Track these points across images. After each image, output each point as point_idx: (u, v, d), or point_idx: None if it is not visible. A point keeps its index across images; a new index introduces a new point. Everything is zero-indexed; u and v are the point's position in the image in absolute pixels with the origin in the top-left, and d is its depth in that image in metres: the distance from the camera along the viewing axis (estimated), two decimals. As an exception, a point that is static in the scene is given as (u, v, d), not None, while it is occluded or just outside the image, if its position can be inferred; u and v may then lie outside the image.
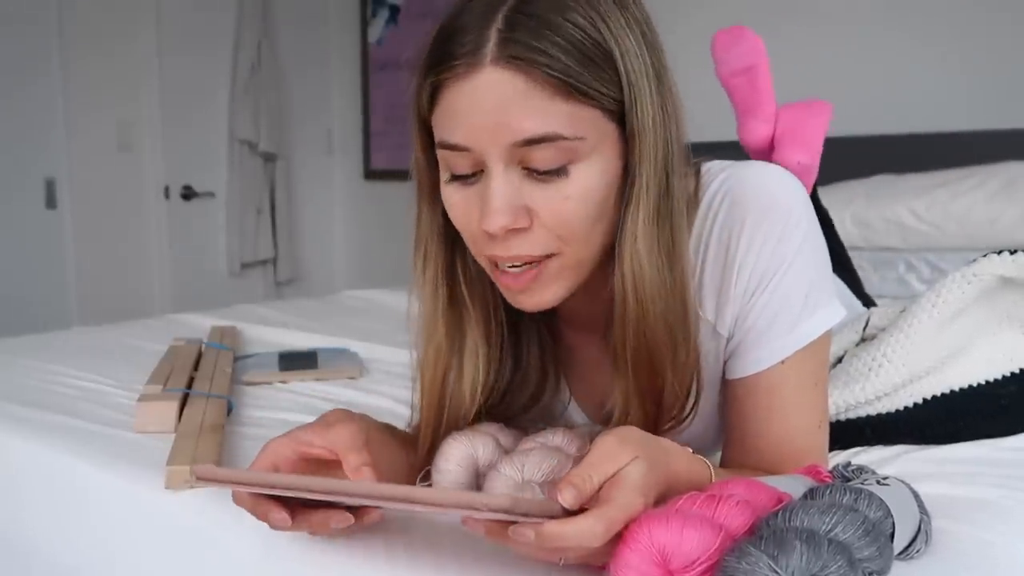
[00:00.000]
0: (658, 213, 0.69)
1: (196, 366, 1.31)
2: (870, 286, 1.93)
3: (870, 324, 1.07)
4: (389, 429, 0.79)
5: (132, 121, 3.31)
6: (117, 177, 3.29)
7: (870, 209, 2.08)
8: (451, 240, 0.76)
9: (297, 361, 1.39)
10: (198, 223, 3.54)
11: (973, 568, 0.66)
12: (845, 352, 1.06)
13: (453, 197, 0.70)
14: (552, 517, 0.52)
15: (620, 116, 0.67)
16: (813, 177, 1.47)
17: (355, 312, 2.01)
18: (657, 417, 0.73)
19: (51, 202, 3.12)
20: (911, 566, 0.64)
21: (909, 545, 0.64)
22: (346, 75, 3.97)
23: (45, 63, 3.05)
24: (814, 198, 1.53)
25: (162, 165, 3.40)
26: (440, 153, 0.69)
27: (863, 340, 1.07)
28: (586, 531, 0.51)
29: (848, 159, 2.29)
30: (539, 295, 0.71)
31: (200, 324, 1.78)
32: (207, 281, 3.56)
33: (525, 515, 0.51)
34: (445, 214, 0.74)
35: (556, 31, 0.64)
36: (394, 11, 3.76)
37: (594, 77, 0.65)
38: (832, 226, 1.56)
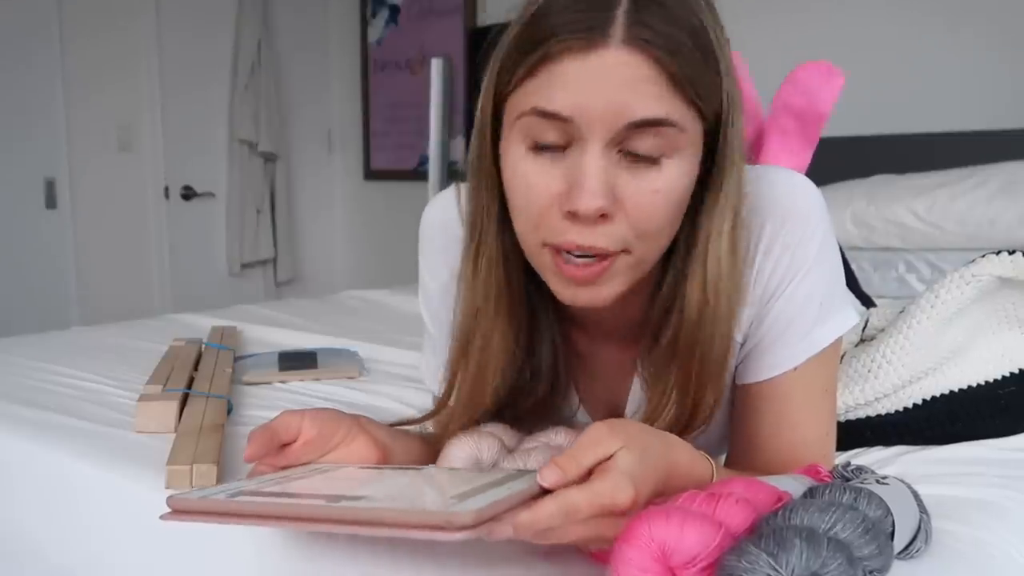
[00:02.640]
0: (737, 221, 0.69)
1: (196, 366, 1.31)
2: (870, 286, 1.93)
3: (869, 325, 1.07)
4: (397, 430, 0.79)
5: (132, 121, 3.32)
6: (117, 177, 3.30)
7: (870, 209, 2.08)
8: (503, 226, 0.73)
9: (297, 361, 1.39)
10: (198, 223, 3.55)
11: (972, 568, 0.66)
12: (844, 353, 1.06)
13: (532, 171, 0.66)
14: (528, 500, 0.52)
15: (708, 121, 0.66)
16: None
17: (355, 312, 2.01)
18: (691, 420, 0.72)
19: (51, 202, 3.12)
20: (911, 565, 0.64)
21: (909, 544, 0.64)
22: (346, 75, 3.97)
23: (45, 63, 3.05)
24: None
25: (162, 165, 3.41)
26: (527, 121, 0.65)
27: (862, 341, 1.07)
28: (554, 515, 0.51)
29: (848, 159, 2.30)
30: (601, 290, 0.68)
31: (200, 324, 1.78)
32: (207, 281, 3.57)
33: (494, 520, 0.51)
34: (503, 203, 0.71)
35: (682, 26, 0.62)
36: (394, 11, 3.77)
37: (706, 79, 0.64)
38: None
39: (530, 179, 0.66)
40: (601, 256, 0.66)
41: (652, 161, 0.64)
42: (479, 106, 0.70)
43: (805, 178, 0.75)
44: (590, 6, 0.62)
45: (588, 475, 0.54)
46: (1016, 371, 1.00)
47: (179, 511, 0.58)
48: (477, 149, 0.72)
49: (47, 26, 3.04)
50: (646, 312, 0.75)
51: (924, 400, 0.99)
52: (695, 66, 0.63)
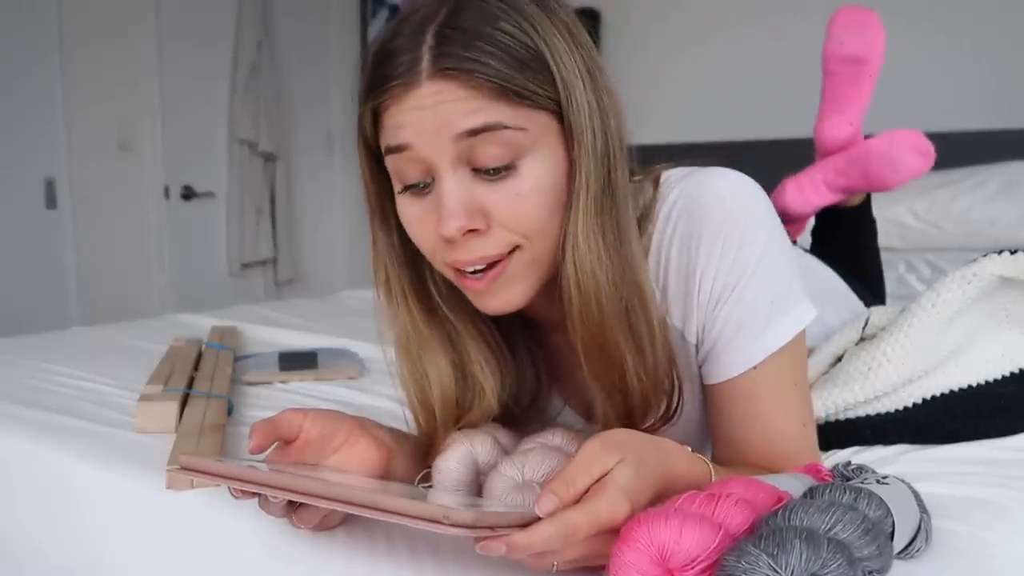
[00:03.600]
0: (600, 206, 0.69)
1: (196, 366, 1.31)
2: (870, 286, 1.93)
3: (870, 323, 1.07)
4: (400, 432, 0.79)
5: (132, 121, 3.32)
6: (117, 177, 3.30)
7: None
8: (412, 258, 0.76)
9: (297, 361, 1.39)
10: (198, 223, 3.55)
11: (972, 567, 0.66)
12: (844, 351, 1.06)
13: (408, 211, 0.71)
14: (528, 524, 0.52)
15: (560, 115, 0.68)
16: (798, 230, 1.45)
17: (355, 312, 2.01)
18: (628, 411, 0.73)
19: (51, 202, 3.12)
20: (911, 565, 0.64)
21: (909, 544, 0.64)
22: (346, 75, 3.97)
23: (45, 63, 3.05)
24: (864, 209, 1.52)
25: (162, 165, 3.41)
26: (389, 163, 0.70)
27: (863, 339, 1.07)
28: (552, 537, 0.51)
29: (848, 159, 2.29)
30: (505, 295, 0.71)
31: (200, 324, 1.78)
32: (207, 281, 3.57)
33: (491, 528, 0.51)
34: (400, 234, 0.75)
35: (486, 40, 0.65)
36: (394, 11, 3.77)
37: (529, 79, 0.66)
38: (875, 237, 1.54)
39: (410, 218, 0.71)
40: (493, 263, 0.69)
41: (506, 168, 0.67)
42: (359, 149, 0.74)
43: (744, 178, 0.75)
44: (400, 52, 0.67)
45: (583, 493, 0.54)
46: (1016, 371, 1.00)
47: (188, 469, 0.59)
48: (366, 195, 0.77)
49: (47, 25, 3.04)
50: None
51: (924, 399, 0.99)
52: (513, 71, 0.66)
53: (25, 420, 1.06)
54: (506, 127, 0.66)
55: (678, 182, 0.76)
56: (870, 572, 0.54)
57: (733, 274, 0.72)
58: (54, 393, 1.20)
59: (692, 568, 0.51)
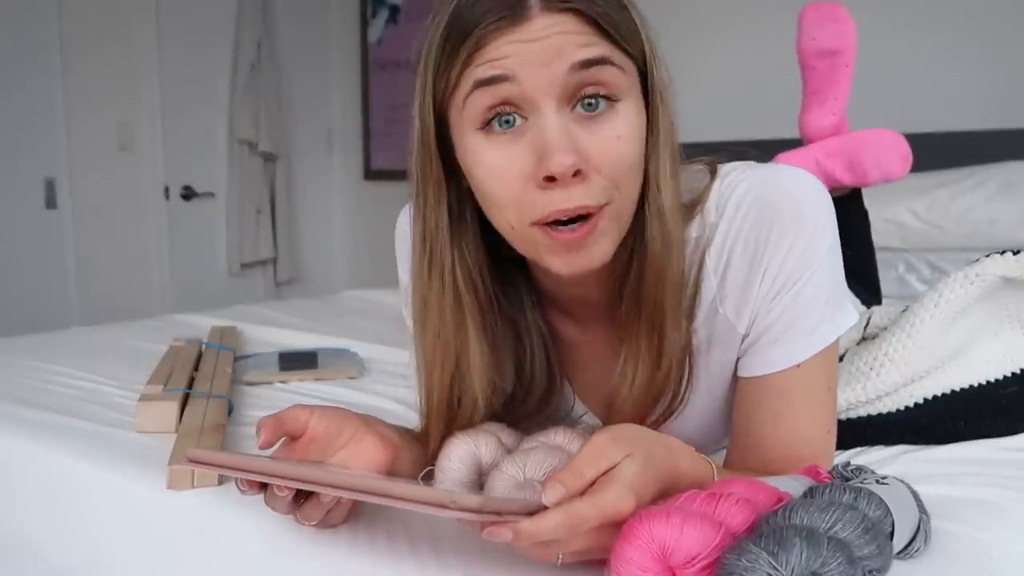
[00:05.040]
0: (675, 168, 0.71)
1: (196, 366, 1.31)
2: (870, 286, 1.93)
3: (871, 323, 1.07)
4: (405, 430, 0.79)
5: (132, 121, 3.32)
6: (117, 177, 3.30)
7: (870, 209, 2.07)
8: (455, 234, 0.74)
9: (297, 361, 1.39)
10: (198, 223, 3.55)
11: (971, 567, 0.66)
12: (846, 351, 1.06)
13: (492, 156, 0.67)
14: (533, 512, 0.52)
15: (638, 63, 0.70)
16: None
17: (355, 312, 2.01)
18: (653, 377, 0.73)
19: (51, 202, 3.12)
20: (910, 565, 0.64)
21: (909, 544, 0.64)
22: (346, 75, 3.97)
23: (45, 63, 3.05)
24: (856, 197, 1.52)
25: (162, 165, 3.41)
26: (475, 99, 0.66)
27: (864, 339, 1.07)
28: (559, 526, 0.51)
29: (848, 159, 2.29)
30: (594, 250, 0.69)
31: (200, 324, 1.78)
32: (207, 281, 3.57)
33: (498, 513, 0.51)
34: (449, 209, 0.73)
35: None
36: (394, 11, 3.77)
37: (628, 24, 0.68)
38: (868, 228, 1.55)
39: (495, 163, 0.67)
40: (587, 216, 0.67)
41: (608, 106, 0.67)
42: (417, 119, 0.72)
43: (815, 178, 0.75)
44: None
45: (589, 485, 0.54)
46: (1017, 371, 1.00)
47: (195, 461, 0.61)
48: (421, 162, 0.73)
49: (48, 26, 3.04)
50: (616, 279, 0.75)
51: (925, 399, 0.99)
52: (614, 13, 0.67)
53: (25, 420, 1.06)
54: (613, 64, 0.66)
55: (744, 175, 0.75)
56: (870, 571, 0.54)
57: (798, 268, 0.73)
58: (54, 393, 1.20)
59: (693, 566, 0.51)
